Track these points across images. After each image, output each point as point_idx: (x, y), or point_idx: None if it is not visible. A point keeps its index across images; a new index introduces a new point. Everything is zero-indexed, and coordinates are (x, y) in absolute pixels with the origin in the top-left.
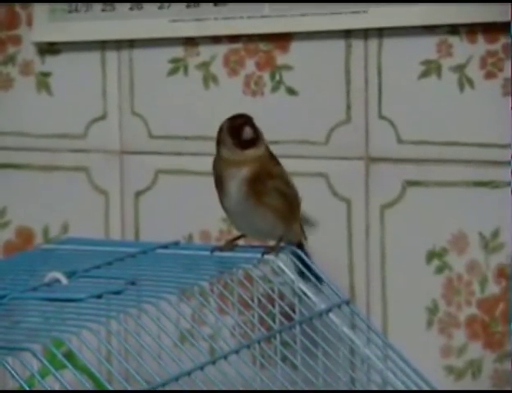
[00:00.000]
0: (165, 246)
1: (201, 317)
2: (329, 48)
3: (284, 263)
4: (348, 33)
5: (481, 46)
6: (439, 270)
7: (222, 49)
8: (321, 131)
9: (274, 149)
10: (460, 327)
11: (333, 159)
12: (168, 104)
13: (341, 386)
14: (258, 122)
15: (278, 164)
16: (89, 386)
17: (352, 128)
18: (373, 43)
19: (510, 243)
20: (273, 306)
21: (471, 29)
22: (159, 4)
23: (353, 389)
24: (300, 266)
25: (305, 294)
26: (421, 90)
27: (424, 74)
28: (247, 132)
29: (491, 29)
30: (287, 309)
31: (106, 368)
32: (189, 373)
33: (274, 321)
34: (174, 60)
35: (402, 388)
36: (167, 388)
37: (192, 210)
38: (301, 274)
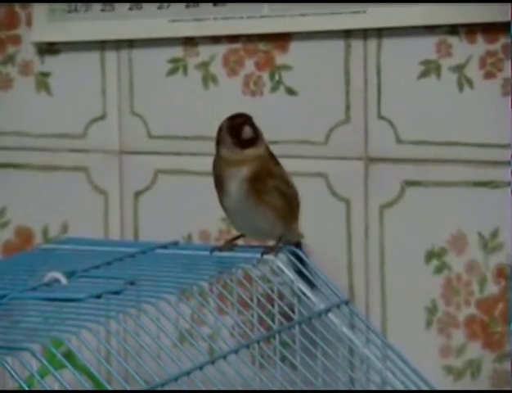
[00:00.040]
0: (164, 246)
1: (200, 317)
2: (328, 48)
3: (283, 263)
4: (347, 34)
5: (480, 46)
6: (438, 270)
7: (221, 49)
8: (321, 131)
9: (273, 149)
10: (460, 327)
11: (332, 159)
12: (168, 104)
13: (340, 386)
14: (257, 122)
15: (278, 163)
16: (88, 386)
17: (351, 129)
18: (372, 43)
19: (510, 243)
20: (272, 306)
21: (470, 29)
22: (158, 4)
23: (352, 389)
24: (299, 266)
25: (304, 294)
26: (420, 90)
27: (424, 74)
28: (246, 131)
29: (490, 29)
30: (286, 309)
31: (106, 368)
32: (188, 373)
33: (273, 321)
34: (173, 60)
35: (401, 388)
36: (166, 388)
37: (191, 210)
38: (299, 274)
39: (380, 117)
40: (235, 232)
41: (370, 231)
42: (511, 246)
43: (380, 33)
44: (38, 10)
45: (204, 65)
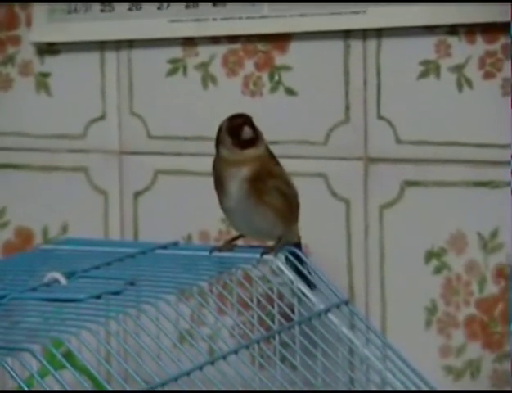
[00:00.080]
0: (164, 247)
1: (200, 317)
2: (328, 49)
3: (283, 263)
4: (346, 34)
5: (480, 46)
6: (438, 270)
7: (221, 49)
8: (320, 131)
9: (273, 149)
10: (459, 327)
11: (332, 159)
12: (167, 104)
13: (340, 386)
14: (256, 122)
15: (278, 164)
16: (88, 387)
17: (350, 129)
18: (372, 44)
19: (509, 243)
20: (272, 306)
21: (470, 30)
22: (158, 4)
23: (352, 389)
24: (299, 266)
25: (304, 294)
26: (420, 90)
27: (423, 75)
28: (246, 132)
29: (490, 30)
30: (286, 309)
31: (105, 369)
32: (188, 373)
33: (273, 321)
34: (173, 61)
35: (401, 388)
36: (166, 388)
37: (191, 210)
38: (299, 274)
39: (380, 117)
40: (234, 233)
41: (370, 231)
42: (511, 246)
43: (380, 33)
44: (38, 10)
45: (203, 66)
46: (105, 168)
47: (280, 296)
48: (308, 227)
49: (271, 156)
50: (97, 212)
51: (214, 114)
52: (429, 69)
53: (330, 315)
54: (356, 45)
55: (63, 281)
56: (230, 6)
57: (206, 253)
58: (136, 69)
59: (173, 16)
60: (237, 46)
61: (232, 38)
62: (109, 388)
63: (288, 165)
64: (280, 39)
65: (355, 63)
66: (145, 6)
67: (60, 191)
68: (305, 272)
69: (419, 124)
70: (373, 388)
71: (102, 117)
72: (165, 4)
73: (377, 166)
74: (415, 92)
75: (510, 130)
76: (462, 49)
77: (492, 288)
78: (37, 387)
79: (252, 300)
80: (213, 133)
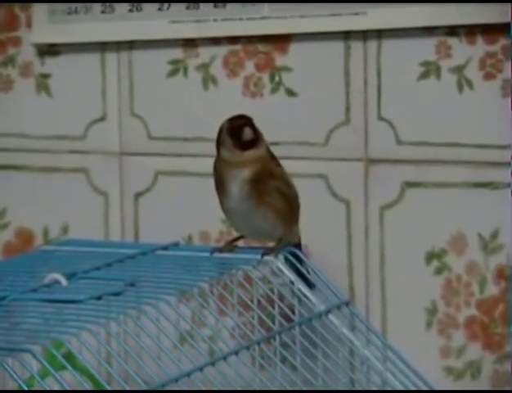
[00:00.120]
0: (165, 248)
1: (201, 318)
2: (328, 50)
3: (283, 264)
4: (347, 35)
5: (480, 47)
6: (438, 271)
7: (221, 50)
8: (321, 132)
9: (273, 150)
10: (460, 328)
11: (332, 160)
12: (168, 105)
13: (340, 387)
14: (257, 123)
15: (279, 165)
16: (89, 388)
17: (351, 130)
18: (372, 45)
19: (510, 244)
20: (273, 307)
21: (470, 31)
22: (158, 5)
23: (353, 390)
24: (299, 267)
25: (304, 295)
26: (420, 91)
27: (424, 76)
28: (247, 133)
29: (490, 31)
30: (287, 310)
31: (106, 370)
32: (188, 374)
33: (273, 322)
34: (174, 62)
35: (402, 389)
36: (166, 389)
37: (192, 211)
38: (299, 275)
39: (380, 118)
40: (235, 234)
41: (371, 232)
42: (511, 247)
43: (380, 34)
44: (38, 11)
45: (204, 67)
46: (105, 169)
47: (281, 297)
48: (309, 228)
49: (272, 157)
50: (98, 213)
51: (215, 115)
52: (430, 70)
53: (330, 316)
54: (356, 46)
55: (63, 282)
56: (230, 7)
57: (207, 254)
58: (137, 70)
59: (174, 17)
60: (238, 47)
61: (233, 39)
62: (109, 389)
63: (288, 166)
64: (281, 40)
65: (355, 64)
66: (146, 7)
67: (60, 192)
68: (305, 272)
69: (419, 124)
70: (373, 389)
71: (103, 118)
72: (166, 5)
73: (377, 167)
74: (416, 93)
75: (510, 131)
76: (462, 50)
77: (493, 289)
78: (37, 388)
79: (252, 301)
80: (214, 134)
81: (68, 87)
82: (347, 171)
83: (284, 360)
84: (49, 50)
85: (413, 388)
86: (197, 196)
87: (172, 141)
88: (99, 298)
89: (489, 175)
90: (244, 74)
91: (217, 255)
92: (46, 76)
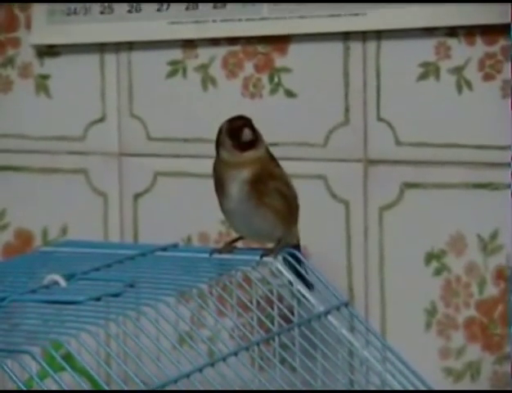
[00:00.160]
0: (164, 249)
1: (200, 319)
2: (327, 50)
3: (282, 265)
4: (346, 36)
5: (479, 48)
6: (438, 272)
7: (220, 51)
8: (320, 133)
9: (273, 151)
10: (459, 329)
11: (331, 161)
12: (167, 106)
13: (340, 387)
14: (256, 124)
15: (278, 165)
16: (88, 389)
17: (350, 131)
18: (371, 46)
19: (509, 245)
20: (272, 308)
21: (469, 31)
22: (157, 6)
23: (352, 390)
24: (298, 268)
25: (304, 296)
26: (419, 92)
27: (423, 77)
28: (246, 134)
29: (489, 31)
30: (286, 311)
31: (105, 371)
32: (188, 375)
33: (273, 323)
34: (173, 63)
35: (401, 390)
36: (166, 390)
37: (191, 212)
38: (298, 276)
39: (379, 119)
40: (234, 235)
41: (370, 233)
42: (511, 248)
43: (379, 35)
44: (38, 12)
45: (203, 68)
46: (104, 170)
47: (280, 298)
48: (308, 228)
49: (272, 158)
50: (97, 214)
51: (214, 116)
52: (429, 70)
53: (329, 317)
54: (355, 47)
55: (63, 283)
56: (229, 7)
57: (206, 255)
58: (136, 71)
59: (173, 18)
60: (237, 48)
61: (232, 40)
62: (108, 390)
63: (288, 167)
64: (280, 41)
65: (355, 65)
66: (145, 7)
67: (59, 193)
68: (304, 273)
69: (418, 125)
70: (373, 389)
71: (102, 119)
72: (165, 6)
73: (377, 168)
74: (415, 94)
75: (510, 132)
76: (462, 51)
77: (492, 290)
78: (36, 389)
79: (251, 302)
80: (213, 135)
81: (67, 88)
82: (346, 172)
83: (283, 361)
84: (48, 51)
85: (412, 389)
86: (196, 197)
87: (171, 142)
88: (98, 299)
89: (488, 176)
90: (244, 74)
91: (216, 256)
92: (45, 77)
